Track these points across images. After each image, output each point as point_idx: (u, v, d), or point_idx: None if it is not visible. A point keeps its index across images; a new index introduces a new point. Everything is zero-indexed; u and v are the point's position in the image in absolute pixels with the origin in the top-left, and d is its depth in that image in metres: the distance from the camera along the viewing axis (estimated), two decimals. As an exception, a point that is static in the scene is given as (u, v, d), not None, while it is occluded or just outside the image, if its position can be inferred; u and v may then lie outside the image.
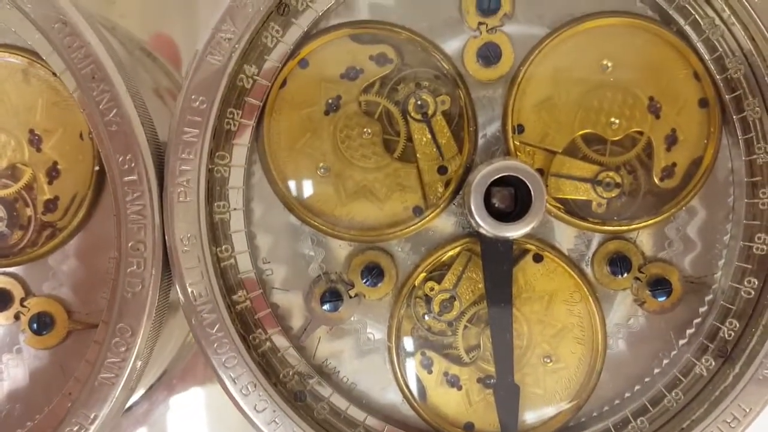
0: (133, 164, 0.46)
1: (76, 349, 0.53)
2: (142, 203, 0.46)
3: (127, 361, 0.46)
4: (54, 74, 0.51)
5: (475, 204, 0.48)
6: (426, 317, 0.54)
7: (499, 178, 0.49)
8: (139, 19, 0.66)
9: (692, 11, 0.52)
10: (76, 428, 0.47)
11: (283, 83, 0.52)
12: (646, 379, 0.54)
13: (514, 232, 0.48)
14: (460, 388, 0.54)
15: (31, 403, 0.53)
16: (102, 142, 0.46)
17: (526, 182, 0.48)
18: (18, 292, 0.53)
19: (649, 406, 0.53)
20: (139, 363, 0.47)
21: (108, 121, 0.46)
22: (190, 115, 0.47)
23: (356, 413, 0.53)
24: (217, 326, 0.47)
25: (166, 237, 0.47)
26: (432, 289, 0.54)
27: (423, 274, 0.54)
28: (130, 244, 0.46)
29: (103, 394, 0.47)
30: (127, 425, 0.65)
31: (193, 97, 0.47)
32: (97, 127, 0.46)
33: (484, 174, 0.48)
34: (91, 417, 0.47)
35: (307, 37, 0.52)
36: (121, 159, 0.46)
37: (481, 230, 0.49)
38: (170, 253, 0.47)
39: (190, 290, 0.47)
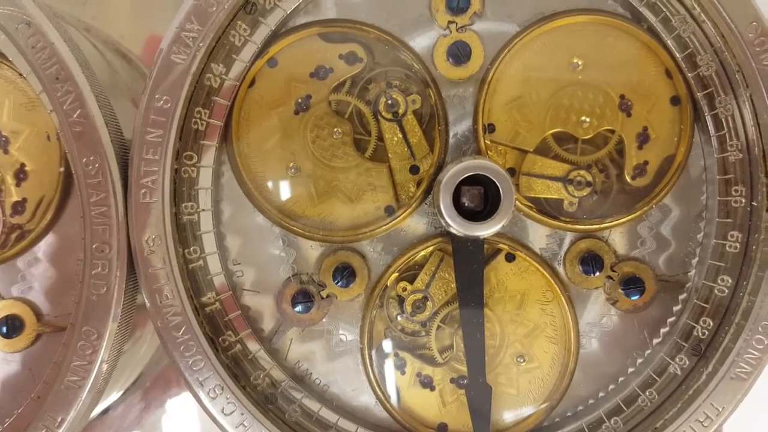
0: (97, 165, 0.46)
1: (46, 352, 0.52)
2: (106, 205, 0.46)
3: (92, 363, 0.46)
4: (20, 75, 0.50)
5: (444, 203, 0.48)
6: (399, 318, 0.54)
7: (469, 177, 0.49)
8: (124, 21, 0.66)
9: (663, 8, 0.52)
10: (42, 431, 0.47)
11: (252, 82, 0.52)
12: (620, 379, 0.54)
13: (484, 231, 0.48)
14: (433, 388, 0.54)
15: (1, 407, 0.53)
16: (67, 143, 0.46)
17: (495, 181, 0.47)
18: (-15, 295, 0.52)
19: (623, 405, 0.53)
20: (105, 366, 0.46)
21: (72, 121, 0.46)
22: (154, 114, 0.47)
23: (329, 415, 0.53)
24: (183, 328, 0.47)
25: (131, 238, 0.47)
26: (404, 290, 0.53)
27: (395, 275, 0.53)
28: (94, 246, 0.46)
29: (69, 398, 0.46)
30: (102, 429, 0.65)
31: (157, 96, 0.46)
32: (63, 127, 0.46)
33: (452, 173, 0.47)
34: (58, 420, 0.46)
35: (275, 36, 0.52)
36: (85, 160, 0.46)
37: (451, 230, 0.49)
38: (135, 255, 0.47)
39: (155, 293, 0.47)
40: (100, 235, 0.46)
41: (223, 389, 0.47)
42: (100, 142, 0.46)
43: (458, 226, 0.48)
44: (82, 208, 0.46)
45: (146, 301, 0.47)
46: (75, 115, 0.46)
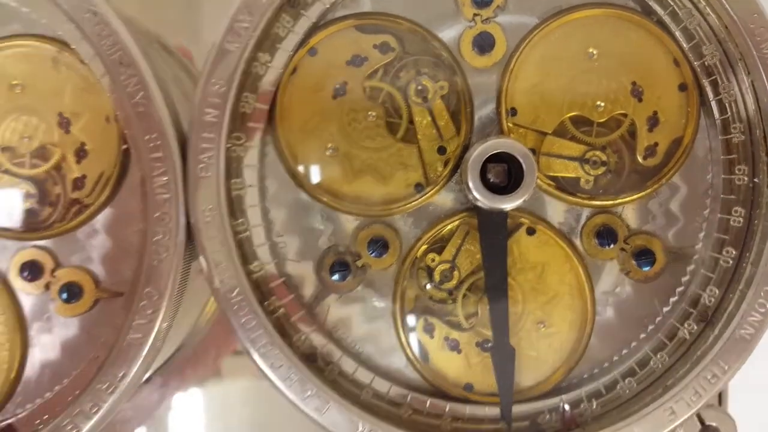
0: (159, 142, 0.51)
1: (103, 316, 0.57)
2: (167, 178, 0.51)
3: (153, 322, 0.50)
4: (82, 61, 0.55)
5: (473, 178, 0.52)
6: (427, 286, 0.58)
7: (494, 155, 0.53)
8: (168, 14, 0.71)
9: (670, 2, 0.57)
10: (105, 386, 0.51)
11: (294, 70, 0.56)
12: (633, 344, 0.58)
13: (509, 203, 0.52)
14: (459, 351, 0.58)
15: (60, 369, 0.57)
16: (130, 123, 0.51)
17: (518, 158, 0.52)
18: (48, 263, 0.57)
19: (636, 367, 0.57)
20: (164, 324, 0.51)
21: (135, 102, 0.50)
22: (211, 97, 0.51)
23: (364, 375, 0.57)
24: (236, 290, 0.51)
25: (189, 209, 0.51)
26: (433, 260, 0.58)
27: (424, 246, 0.58)
28: (156, 215, 0.50)
29: (131, 354, 0.51)
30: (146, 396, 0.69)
31: (213, 81, 0.51)
32: (125, 108, 0.51)
33: (480, 151, 0.52)
34: (120, 375, 0.51)
35: (315, 28, 0.56)
36: (147, 137, 0.50)
37: (478, 203, 0.53)
38: (193, 224, 0.51)
39: (212, 258, 0.51)
40: (161, 206, 0.50)
41: (272, 345, 0.51)
42: (161, 121, 0.50)
43: (485, 199, 0.52)
44: (144, 181, 0.50)
45: (204, 265, 0.51)
46: (138, 97, 0.50)
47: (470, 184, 0.52)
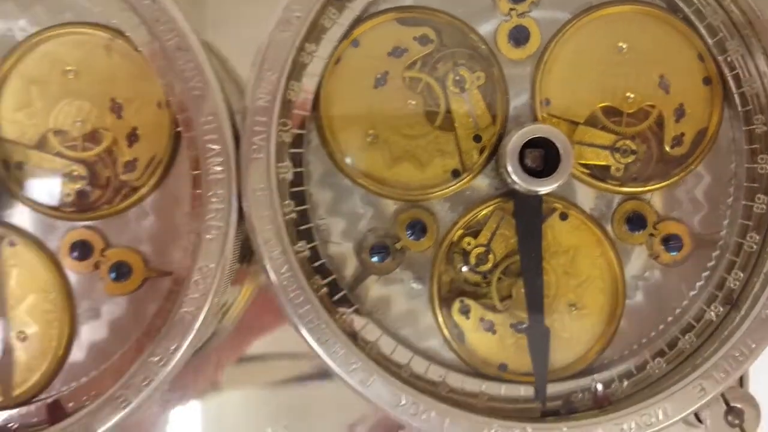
0: (214, 125, 0.53)
1: (150, 295, 0.59)
2: (221, 159, 0.53)
3: (206, 296, 0.52)
4: (136, 48, 0.57)
5: (512, 162, 0.55)
6: (463, 269, 0.60)
7: (530, 141, 0.56)
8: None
9: (695, 1, 0.60)
10: (157, 359, 0.53)
11: (338, 60, 0.59)
12: (662, 326, 0.61)
13: (546, 186, 0.55)
14: (494, 332, 0.60)
15: (108, 346, 0.59)
16: (186, 106, 0.53)
17: (556, 143, 0.54)
18: (98, 243, 0.59)
19: (665, 348, 0.59)
20: (215, 299, 0.53)
21: (192, 86, 0.53)
22: (264, 83, 0.53)
23: (402, 354, 0.59)
24: (285, 267, 0.53)
25: (242, 188, 0.53)
26: (469, 244, 0.60)
27: (460, 231, 0.60)
28: (209, 194, 0.53)
29: (183, 328, 0.52)
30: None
31: (266, 67, 0.53)
32: (182, 92, 0.53)
33: (519, 135, 0.54)
34: (172, 349, 0.53)
35: (359, 20, 0.59)
36: (203, 120, 0.53)
37: (516, 186, 0.56)
38: (244, 203, 0.53)
39: (262, 235, 0.53)
40: (215, 185, 0.53)
41: (318, 320, 0.53)
42: (217, 104, 0.53)
43: (523, 182, 0.55)
44: (199, 162, 0.53)
45: (256, 243, 0.53)
46: (194, 81, 0.53)
47: (509, 168, 0.55)
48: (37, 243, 0.59)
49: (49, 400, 0.58)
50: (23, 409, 0.58)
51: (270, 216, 0.54)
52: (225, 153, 0.53)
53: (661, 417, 0.54)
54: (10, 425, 0.58)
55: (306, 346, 0.54)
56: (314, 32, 0.57)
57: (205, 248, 0.53)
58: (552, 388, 0.59)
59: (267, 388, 0.64)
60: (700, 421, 0.59)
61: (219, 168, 0.52)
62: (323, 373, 0.60)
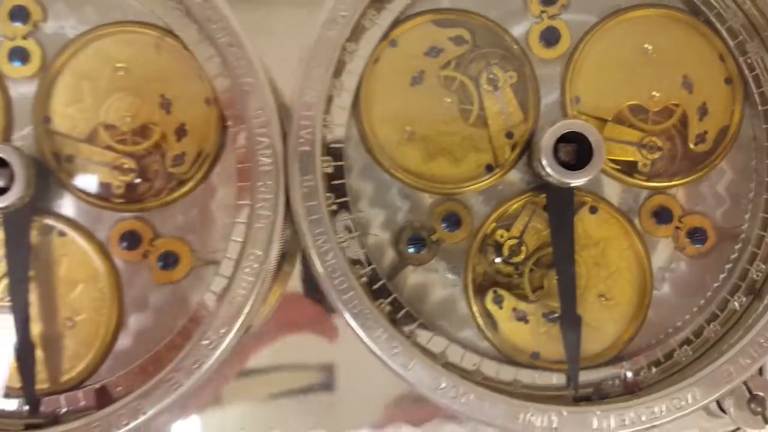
0: (263, 118, 0.55)
1: (196, 283, 0.61)
2: (270, 151, 0.55)
3: (256, 281, 0.54)
4: (185, 47, 0.60)
5: (546, 155, 0.57)
6: (497, 260, 0.62)
7: (563, 137, 0.58)
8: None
9: (715, 5, 0.63)
10: (207, 342, 0.55)
11: (377, 59, 0.62)
12: (687, 316, 0.63)
13: (579, 179, 0.57)
14: (527, 321, 0.62)
15: (153, 334, 0.61)
16: (238, 100, 0.55)
17: (588, 137, 0.57)
18: (147, 233, 0.61)
19: (692, 337, 0.62)
20: (264, 285, 0.55)
21: (243, 81, 0.55)
22: (312, 79, 0.56)
23: (438, 342, 0.61)
24: (331, 254, 0.56)
25: (289, 179, 0.56)
26: (502, 236, 0.62)
27: (494, 223, 0.62)
28: (260, 184, 0.55)
29: (234, 312, 0.55)
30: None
31: (313, 64, 0.56)
32: (234, 87, 0.55)
33: (554, 130, 0.57)
34: (222, 332, 0.55)
35: (397, 21, 0.61)
36: (253, 113, 0.55)
37: (550, 179, 0.58)
38: (291, 193, 0.56)
39: (311, 224, 0.55)
40: (266, 175, 0.55)
41: (362, 306, 0.55)
42: (267, 96, 0.55)
43: (558, 175, 0.57)
44: (250, 154, 0.55)
45: (301, 232, 0.55)
46: (246, 76, 0.55)
47: (544, 161, 0.57)
48: (86, 233, 0.61)
49: (97, 386, 0.60)
50: (70, 395, 0.60)
51: (315, 206, 0.56)
52: (273, 146, 0.55)
53: (690, 401, 0.56)
54: (57, 410, 0.60)
55: (306, 357, 0.58)
56: (354, 32, 0.60)
57: (255, 236, 0.55)
58: (583, 376, 0.61)
59: (268, 401, 0.65)
60: (723, 410, 0.62)
61: (268, 160, 0.55)
62: (325, 385, 0.63)
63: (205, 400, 0.64)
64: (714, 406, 0.62)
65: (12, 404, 0.60)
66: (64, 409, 0.60)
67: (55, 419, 0.59)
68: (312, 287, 0.63)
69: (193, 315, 0.59)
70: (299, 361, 0.63)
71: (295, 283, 0.62)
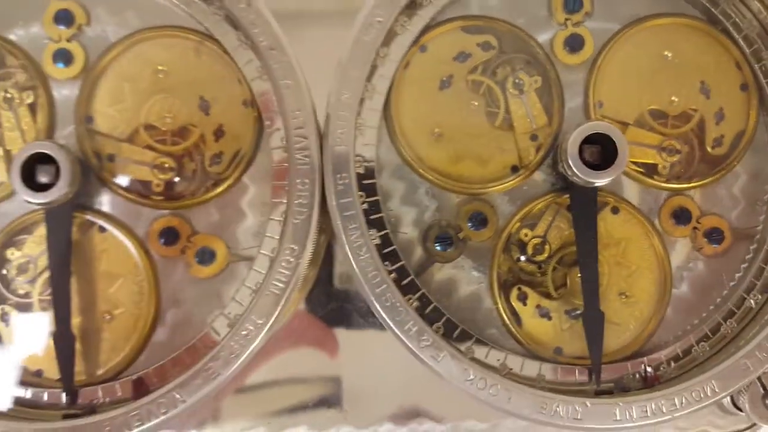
0: (302, 117, 0.58)
1: (232, 278, 0.63)
2: (307, 150, 0.58)
3: (294, 273, 0.56)
4: (225, 51, 0.62)
5: (572, 156, 0.59)
6: (521, 258, 0.64)
7: (587, 139, 0.60)
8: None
9: (732, 15, 0.65)
10: (245, 332, 0.57)
11: (407, 64, 0.64)
12: (704, 313, 0.65)
13: (604, 178, 0.59)
14: (550, 318, 0.64)
15: (191, 326, 0.63)
16: (279, 101, 0.58)
17: (612, 138, 0.59)
18: (185, 230, 0.63)
19: (709, 333, 0.64)
20: (300, 280, 0.57)
21: (284, 83, 0.58)
22: (348, 81, 0.59)
23: (464, 337, 0.63)
24: (364, 249, 0.58)
25: (325, 176, 0.58)
26: (526, 235, 0.64)
27: (518, 223, 0.65)
28: (298, 182, 0.57)
29: (272, 302, 0.57)
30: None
31: (351, 66, 0.59)
32: (275, 88, 0.58)
33: (580, 131, 0.59)
34: (260, 323, 0.57)
35: (427, 28, 0.64)
36: (293, 113, 0.58)
37: (575, 179, 0.60)
38: (327, 190, 0.58)
39: (345, 219, 0.58)
40: (303, 173, 0.57)
41: (394, 299, 0.58)
42: (305, 97, 0.58)
43: (583, 174, 0.59)
44: (288, 152, 0.57)
45: (336, 227, 0.58)
46: (286, 78, 0.58)
47: (570, 161, 0.59)
48: (126, 229, 0.63)
49: (134, 377, 0.62)
50: (107, 386, 0.62)
51: (350, 203, 0.58)
52: (311, 145, 0.57)
53: (709, 393, 0.58)
54: (94, 401, 0.62)
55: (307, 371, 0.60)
56: (388, 37, 0.62)
57: (291, 231, 0.57)
58: (604, 371, 0.63)
59: (266, 417, 0.66)
60: (738, 408, 0.64)
61: (305, 158, 0.57)
62: (324, 401, 0.65)
63: (204, 416, 0.66)
64: (729, 404, 0.64)
65: (50, 395, 0.62)
66: (102, 400, 0.62)
67: (92, 410, 0.61)
68: (314, 303, 0.67)
69: (230, 308, 0.61)
70: (299, 375, 0.66)
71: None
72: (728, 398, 0.63)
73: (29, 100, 0.63)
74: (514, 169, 0.65)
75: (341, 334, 0.68)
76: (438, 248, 0.64)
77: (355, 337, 0.68)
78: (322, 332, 0.68)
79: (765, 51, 0.65)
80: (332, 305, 0.68)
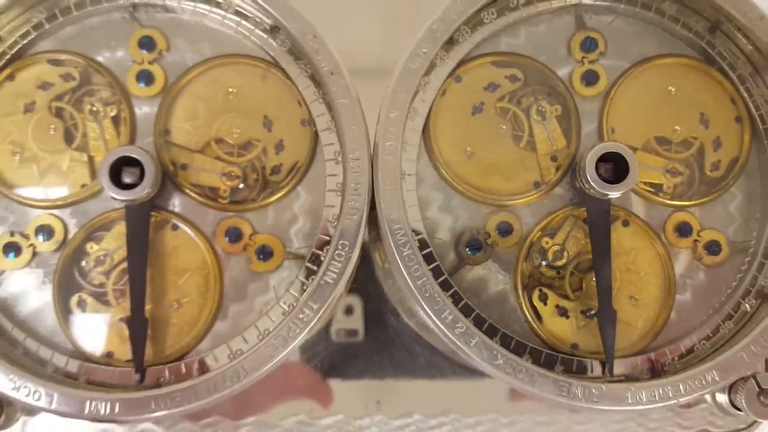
0: (356, 132, 0.67)
1: (287, 274, 0.71)
2: (360, 157, 0.67)
3: (346, 266, 0.65)
4: (288, 78, 0.72)
5: (590, 171, 0.68)
6: (542, 263, 0.73)
7: (602, 158, 0.69)
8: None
9: (727, 56, 0.75)
10: (302, 315, 0.65)
11: (444, 92, 0.74)
12: (704, 316, 0.73)
13: (618, 191, 0.68)
14: (568, 317, 0.72)
15: (249, 315, 0.71)
16: (336, 116, 0.67)
17: (624, 156, 0.68)
18: (247, 230, 0.71)
19: (709, 333, 0.72)
20: (352, 271, 0.65)
21: (342, 103, 0.67)
22: (396, 101, 0.68)
23: (492, 332, 0.70)
24: (407, 245, 0.66)
25: (374, 182, 0.67)
26: (547, 243, 0.73)
27: (539, 232, 0.73)
28: (352, 185, 0.66)
29: (327, 291, 0.65)
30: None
31: (398, 89, 0.68)
32: (335, 107, 0.67)
33: (596, 149, 0.68)
34: (316, 308, 0.65)
35: (462, 61, 0.74)
36: (348, 128, 0.67)
37: (592, 191, 0.69)
38: (377, 194, 0.67)
39: (390, 219, 0.66)
40: (356, 178, 0.66)
41: (433, 290, 0.66)
42: (359, 115, 0.67)
43: (599, 187, 0.68)
44: (344, 161, 0.67)
45: (384, 226, 0.66)
46: (343, 98, 0.67)
47: (588, 176, 0.68)
48: (195, 228, 0.71)
49: (197, 359, 0.70)
50: (173, 366, 0.69)
51: (396, 204, 0.67)
52: (363, 153, 0.67)
53: (710, 380, 0.66)
54: (161, 380, 0.69)
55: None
56: (428, 68, 0.72)
57: (345, 228, 0.66)
58: (615, 365, 0.70)
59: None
60: (737, 408, 0.71)
61: (358, 166, 0.66)
62: None
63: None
64: (728, 405, 0.71)
65: (120, 374, 0.70)
66: (167, 379, 0.69)
67: (159, 387, 0.68)
68: (310, 354, 0.75)
69: (284, 301, 0.69)
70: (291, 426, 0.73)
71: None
72: (726, 399, 0.70)
73: (113, 114, 0.73)
74: (536, 185, 0.74)
75: (336, 385, 0.76)
76: (469, 252, 0.72)
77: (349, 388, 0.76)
78: (316, 383, 0.76)
79: (756, 88, 0.75)
80: (328, 357, 0.76)
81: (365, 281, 0.78)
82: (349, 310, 0.78)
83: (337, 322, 0.78)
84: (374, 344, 0.77)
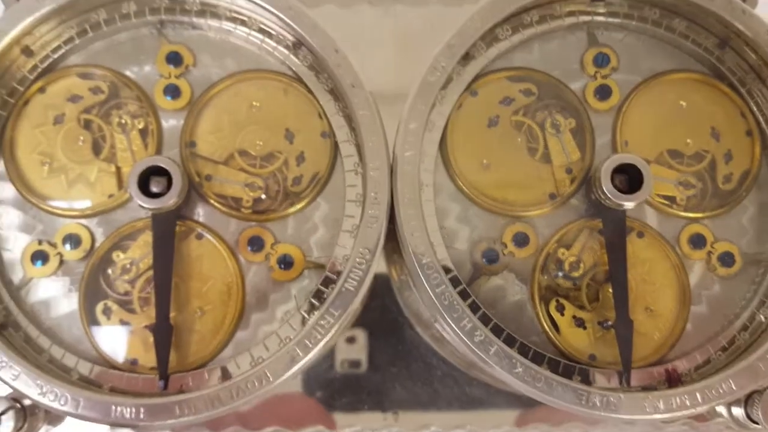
0: (375, 143, 0.69)
1: (307, 282, 0.72)
2: (379, 169, 0.68)
3: (367, 272, 0.66)
4: (309, 91, 0.74)
5: (605, 182, 0.69)
6: (559, 274, 0.74)
7: (617, 169, 0.71)
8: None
9: (736, 71, 0.77)
10: (324, 322, 0.66)
11: (460, 105, 0.76)
12: (719, 328, 0.74)
13: (632, 201, 0.69)
14: (585, 328, 0.73)
15: (271, 323, 0.72)
16: (357, 127, 0.69)
17: (639, 167, 0.70)
18: (269, 239, 0.73)
19: (725, 344, 0.72)
20: (372, 277, 0.67)
21: (362, 114, 0.69)
22: (415, 113, 0.70)
23: (509, 342, 0.71)
24: (426, 254, 0.68)
25: (394, 191, 0.69)
26: (563, 254, 0.74)
27: (555, 243, 0.74)
28: (372, 194, 0.68)
29: (348, 297, 0.66)
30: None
31: (418, 101, 0.70)
32: (355, 117, 0.69)
33: (612, 160, 0.70)
34: (337, 314, 0.66)
35: (478, 76, 0.76)
36: (368, 138, 0.69)
37: (607, 202, 0.70)
38: (396, 201, 0.68)
39: (411, 227, 0.68)
40: (374, 188, 0.68)
41: (452, 298, 0.67)
42: (379, 126, 0.69)
43: (614, 198, 0.70)
44: (363, 170, 0.68)
45: (403, 235, 0.68)
46: (363, 109, 0.69)
47: (604, 187, 0.70)
48: (219, 237, 0.73)
49: (220, 366, 0.71)
50: (196, 373, 0.71)
51: (415, 213, 0.69)
52: (382, 165, 0.68)
53: (726, 389, 0.66)
54: (183, 386, 0.70)
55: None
56: (446, 81, 0.74)
57: (365, 235, 0.67)
58: (632, 376, 0.71)
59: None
60: (753, 421, 0.71)
61: (378, 175, 0.68)
62: None
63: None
64: (745, 419, 0.71)
65: (144, 382, 0.71)
66: (190, 386, 0.70)
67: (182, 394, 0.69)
68: (312, 385, 0.76)
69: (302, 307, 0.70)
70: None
71: (295, 382, 0.73)
72: (743, 412, 0.71)
73: (140, 126, 0.75)
74: (552, 197, 0.75)
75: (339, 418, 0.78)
76: (485, 262, 0.73)
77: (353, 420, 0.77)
78: (321, 415, 0.77)
79: (765, 102, 0.76)
80: (332, 390, 0.77)
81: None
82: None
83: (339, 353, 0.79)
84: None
